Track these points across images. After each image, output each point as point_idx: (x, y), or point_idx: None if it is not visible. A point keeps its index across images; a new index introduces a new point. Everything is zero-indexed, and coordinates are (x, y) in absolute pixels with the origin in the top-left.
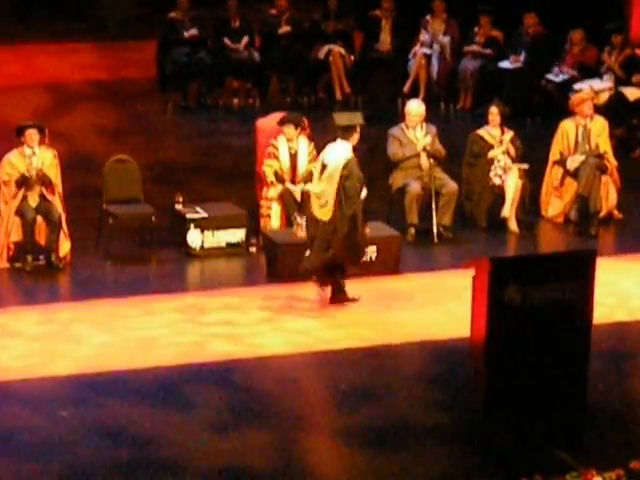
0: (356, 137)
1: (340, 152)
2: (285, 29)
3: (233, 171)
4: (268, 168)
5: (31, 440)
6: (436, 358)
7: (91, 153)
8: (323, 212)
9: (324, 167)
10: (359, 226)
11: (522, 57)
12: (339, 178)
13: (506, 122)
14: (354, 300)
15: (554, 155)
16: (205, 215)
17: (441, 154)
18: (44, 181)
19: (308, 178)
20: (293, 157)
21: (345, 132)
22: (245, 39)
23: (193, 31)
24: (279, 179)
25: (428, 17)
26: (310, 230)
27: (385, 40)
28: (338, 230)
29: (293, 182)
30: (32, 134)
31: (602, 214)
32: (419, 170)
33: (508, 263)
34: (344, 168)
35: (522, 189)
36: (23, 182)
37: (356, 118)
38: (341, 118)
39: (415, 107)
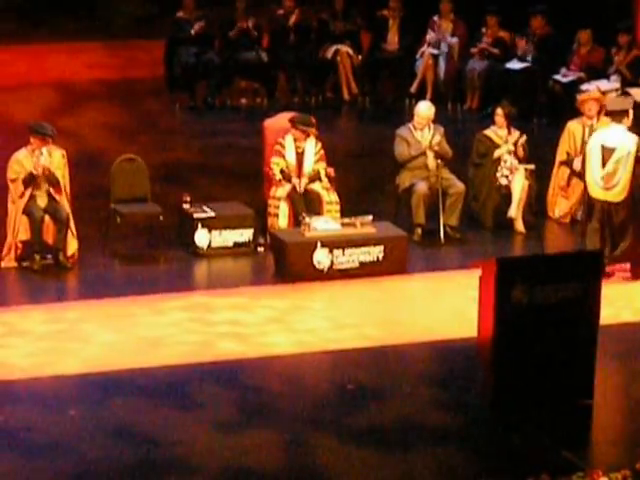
0: (627, 121)
1: (624, 135)
2: (294, 25)
3: (241, 171)
4: (275, 166)
5: (38, 439)
6: (443, 358)
7: (99, 152)
8: (613, 194)
9: (607, 150)
10: None
11: (529, 58)
12: (634, 159)
13: (512, 123)
14: None
15: (561, 155)
16: (212, 215)
17: (448, 154)
18: (51, 180)
19: (314, 177)
20: (299, 156)
21: (618, 116)
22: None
23: (199, 24)
24: (285, 177)
25: (435, 17)
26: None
27: (392, 40)
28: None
29: (300, 181)
30: (38, 138)
31: None
32: (426, 170)
33: (515, 263)
34: (639, 150)
35: (529, 189)
36: (30, 180)
37: (627, 103)
38: (614, 103)
39: (425, 109)
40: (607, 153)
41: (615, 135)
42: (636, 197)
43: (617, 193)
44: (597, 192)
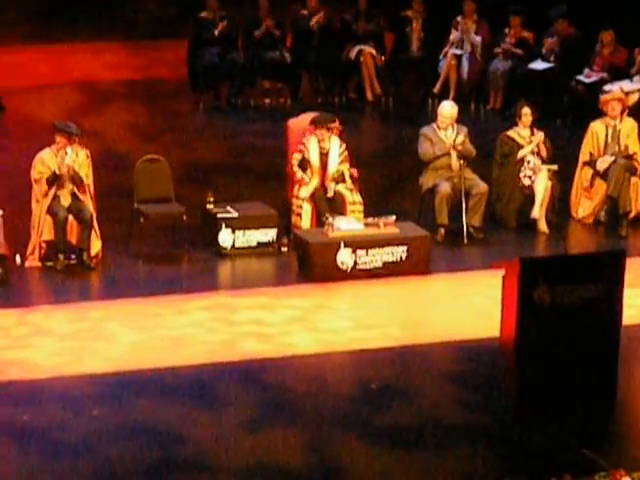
0: None
1: None
2: (317, 26)
3: (264, 171)
4: (294, 161)
5: (62, 438)
6: (466, 357)
7: (122, 152)
8: None
9: None
10: None
11: (552, 58)
12: None
13: (535, 123)
14: None
15: (584, 156)
16: (236, 215)
17: (472, 154)
18: (75, 180)
19: (339, 178)
20: (324, 157)
21: None
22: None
23: (222, 24)
24: (303, 168)
25: (459, 17)
26: None
27: (416, 41)
28: None
29: (322, 182)
30: (63, 138)
31: (632, 215)
32: (449, 170)
33: (538, 263)
34: None
35: (552, 190)
36: (55, 180)
37: None
38: None
39: (448, 108)
40: None
41: None
42: None
43: None
44: None
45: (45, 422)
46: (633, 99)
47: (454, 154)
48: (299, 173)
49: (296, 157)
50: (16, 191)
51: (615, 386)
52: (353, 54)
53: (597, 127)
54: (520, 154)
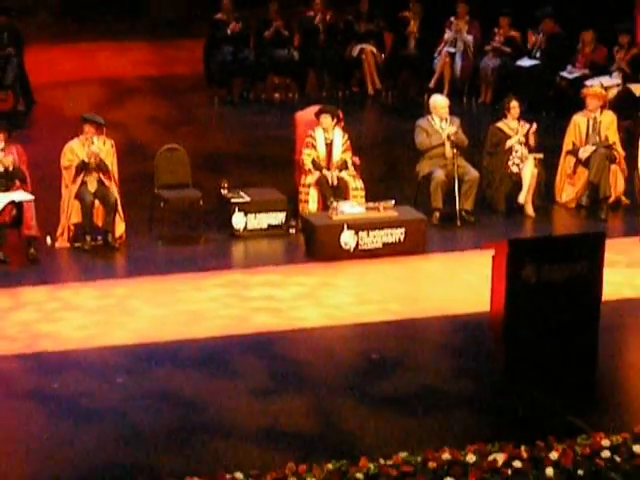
0: None
1: None
2: (322, 26)
3: (274, 159)
4: (307, 157)
5: (89, 405)
6: (459, 330)
7: (144, 142)
8: None
9: None
10: None
11: (537, 56)
12: None
13: (522, 115)
14: None
15: (567, 145)
16: (248, 199)
17: (464, 144)
18: (101, 167)
19: (343, 166)
20: (329, 146)
21: None
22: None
23: (235, 25)
24: (316, 166)
25: (452, 18)
26: None
27: (413, 40)
28: None
29: (328, 169)
30: (90, 129)
31: (611, 200)
32: (443, 159)
33: (525, 244)
34: None
35: (538, 177)
36: (82, 167)
37: None
38: None
39: (441, 100)
40: None
41: None
42: None
43: None
44: None
45: (73, 389)
46: (612, 93)
47: (448, 144)
48: (309, 166)
49: (309, 154)
50: (47, 178)
51: (595, 356)
52: (355, 52)
53: (579, 119)
54: (508, 144)
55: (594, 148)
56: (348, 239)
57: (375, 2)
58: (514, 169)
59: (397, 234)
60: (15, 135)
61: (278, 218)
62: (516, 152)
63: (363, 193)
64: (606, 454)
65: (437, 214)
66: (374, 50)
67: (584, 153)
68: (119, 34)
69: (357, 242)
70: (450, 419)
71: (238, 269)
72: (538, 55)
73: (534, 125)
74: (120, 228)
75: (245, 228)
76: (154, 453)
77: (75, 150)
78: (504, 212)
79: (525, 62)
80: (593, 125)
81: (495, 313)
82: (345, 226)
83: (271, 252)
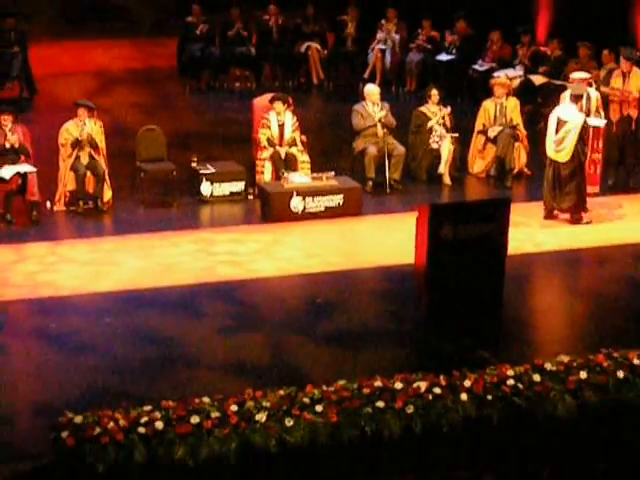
0: (580, 104)
1: (575, 113)
2: (275, 27)
3: (235, 137)
4: (262, 135)
5: (81, 341)
6: (388, 279)
7: (127, 123)
8: (561, 155)
9: (561, 122)
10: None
11: (453, 52)
12: (580, 130)
13: (441, 101)
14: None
15: (478, 126)
16: (214, 171)
17: (392, 125)
18: (92, 144)
19: (292, 143)
20: (281, 127)
21: (576, 99)
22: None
23: (204, 28)
24: (270, 143)
25: (383, 21)
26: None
27: (350, 39)
28: (577, 167)
29: (280, 146)
30: (82, 112)
31: (515, 171)
32: (375, 137)
33: (443, 208)
34: (586, 124)
35: (453, 152)
36: (76, 144)
37: (583, 89)
38: (575, 89)
39: (373, 88)
40: (560, 124)
41: (569, 111)
42: (579, 160)
43: (564, 155)
44: (550, 153)
45: (68, 328)
46: (515, 83)
47: (379, 125)
48: (264, 143)
49: (264, 133)
50: (47, 153)
51: (502, 300)
52: (302, 48)
53: (488, 104)
54: (429, 124)
55: (501, 128)
56: (297, 204)
57: (319, 7)
58: (434, 145)
59: (337, 199)
60: (20, 118)
61: (238, 186)
62: (436, 132)
63: (309, 165)
64: (511, 382)
65: (370, 183)
66: (318, 47)
67: (492, 132)
68: (107, 34)
69: (304, 206)
70: (381, 353)
71: (205, 229)
72: (454, 51)
73: (449, 109)
74: (107, 194)
75: (211, 195)
76: (135, 381)
77: (70, 130)
78: (426, 181)
79: (443, 57)
80: (500, 109)
81: (419, 265)
82: (294, 193)
83: (233, 215)
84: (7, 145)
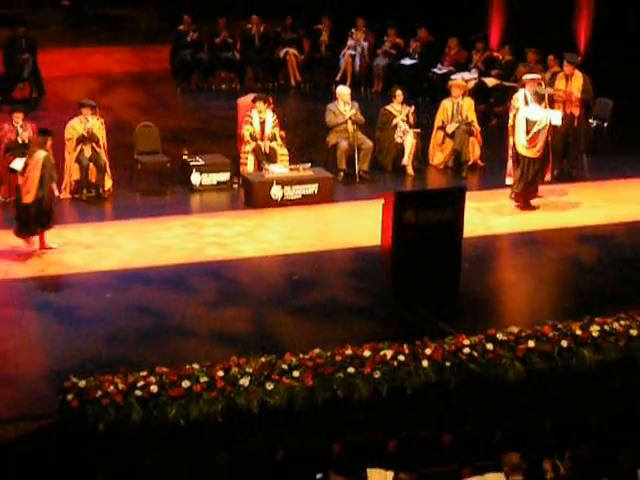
0: (544, 104)
1: (542, 113)
2: (257, 35)
3: (222, 133)
4: (246, 131)
5: (85, 313)
6: (358, 259)
7: (126, 120)
8: (532, 152)
9: (531, 122)
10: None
11: (416, 57)
12: (548, 128)
13: (405, 100)
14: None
15: (437, 123)
16: (203, 162)
17: (361, 122)
18: (94, 139)
19: (272, 138)
20: (262, 124)
21: (540, 99)
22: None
23: (194, 36)
24: (253, 138)
25: (353, 30)
26: (521, 166)
27: (324, 45)
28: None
29: (262, 140)
30: (86, 111)
31: (470, 163)
32: (346, 132)
33: (406, 195)
34: (550, 123)
35: (416, 146)
36: (81, 139)
37: (544, 91)
38: (540, 90)
39: (344, 89)
40: (530, 124)
41: (536, 112)
42: (545, 155)
43: (535, 152)
44: (521, 150)
45: (73, 302)
46: (470, 85)
47: (349, 122)
48: (247, 138)
49: (247, 129)
50: (54, 146)
51: (458, 278)
52: (282, 54)
53: (446, 103)
54: (394, 121)
55: (457, 125)
56: (276, 192)
57: (297, 17)
58: (398, 140)
59: (312, 188)
60: (30, 115)
61: (225, 176)
62: (400, 128)
63: (287, 158)
64: (466, 350)
65: (342, 174)
66: (296, 53)
67: (450, 128)
68: (108, 41)
69: (283, 194)
70: (351, 324)
71: (195, 214)
72: (416, 56)
73: (412, 107)
74: (108, 184)
75: (200, 184)
76: (132, 349)
77: (75, 126)
78: (391, 172)
79: (407, 61)
80: (457, 108)
81: (385, 246)
82: (274, 182)
83: (219, 202)
84: (19, 140)
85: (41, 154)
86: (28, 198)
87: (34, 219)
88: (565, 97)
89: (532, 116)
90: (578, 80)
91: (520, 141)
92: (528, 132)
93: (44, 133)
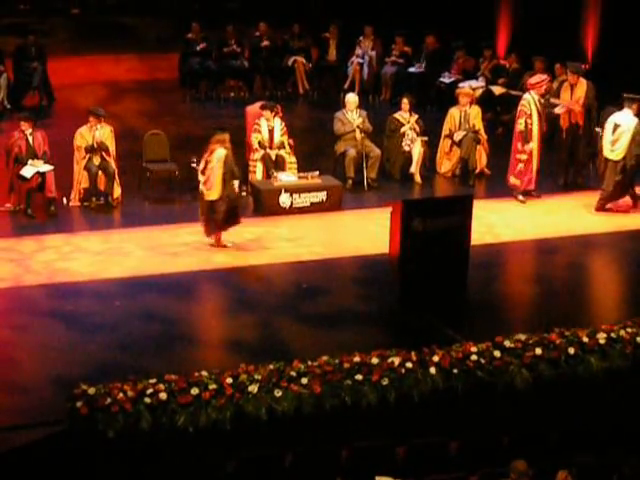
0: (635, 107)
1: (628, 117)
2: (265, 43)
3: (230, 141)
4: (254, 139)
5: (94, 321)
6: (366, 266)
7: (134, 128)
8: (616, 154)
9: (617, 126)
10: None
11: (423, 65)
12: (633, 132)
13: (412, 109)
14: None
15: (445, 131)
16: None
17: (369, 130)
18: (103, 147)
19: (281, 146)
20: (271, 132)
21: (630, 102)
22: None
23: (203, 44)
24: (262, 146)
25: (361, 38)
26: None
27: (332, 53)
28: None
29: (270, 148)
30: (94, 119)
31: (477, 171)
32: (354, 141)
33: (414, 203)
34: (636, 127)
35: (424, 154)
36: (89, 147)
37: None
38: (629, 94)
39: (352, 97)
40: (616, 128)
41: (623, 117)
42: (628, 158)
43: (617, 154)
44: (607, 153)
45: (83, 310)
46: (478, 93)
47: (357, 130)
48: (255, 146)
49: (256, 137)
50: (63, 154)
51: (466, 285)
52: (290, 62)
53: (454, 111)
54: (402, 130)
55: (465, 133)
56: (285, 199)
57: (304, 26)
58: (406, 148)
59: (321, 196)
60: (40, 123)
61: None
62: (408, 136)
63: (296, 166)
64: (474, 357)
65: (350, 181)
66: (304, 61)
67: (457, 136)
68: (117, 49)
69: (292, 202)
70: (359, 331)
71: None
72: (424, 64)
73: (416, 116)
74: (117, 191)
75: None
76: (142, 357)
77: (83, 134)
78: (399, 180)
79: (414, 70)
80: (464, 116)
81: (393, 254)
82: (283, 190)
83: None
84: (29, 149)
85: (222, 152)
86: (212, 195)
87: (222, 216)
88: (570, 107)
89: (617, 120)
90: (582, 88)
91: (606, 144)
92: (613, 135)
93: (222, 130)
